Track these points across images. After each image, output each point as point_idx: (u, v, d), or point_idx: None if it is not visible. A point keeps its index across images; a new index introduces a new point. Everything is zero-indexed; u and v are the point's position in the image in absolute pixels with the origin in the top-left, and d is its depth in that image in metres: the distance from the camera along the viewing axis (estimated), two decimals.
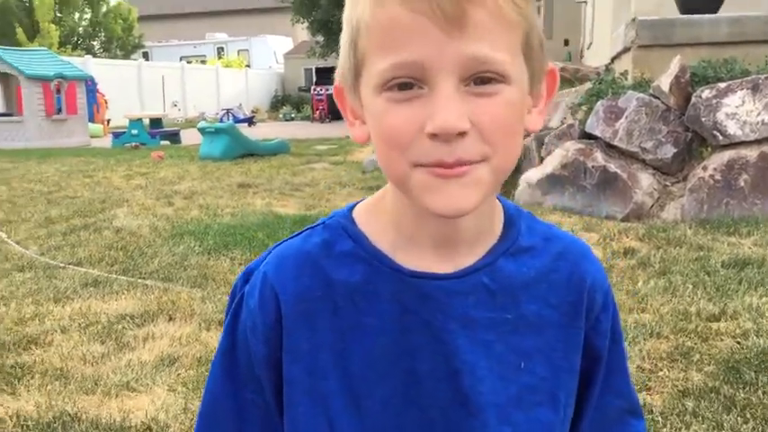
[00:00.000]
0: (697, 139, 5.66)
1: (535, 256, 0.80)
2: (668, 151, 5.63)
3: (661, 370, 2.84)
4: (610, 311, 0.85)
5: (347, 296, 0.77)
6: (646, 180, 5.63)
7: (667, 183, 5.67)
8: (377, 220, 0.79)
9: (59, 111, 15.38)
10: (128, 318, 3.61)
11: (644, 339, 3.11)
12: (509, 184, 6.81)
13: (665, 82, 5.75)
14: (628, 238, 5.00)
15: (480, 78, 0.65)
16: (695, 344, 3.07)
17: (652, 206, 5.58)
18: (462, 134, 0.64)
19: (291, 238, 0.82)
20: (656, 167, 5.70)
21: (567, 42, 16.86)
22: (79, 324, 3.55)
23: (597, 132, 5.96)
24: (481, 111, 0.65)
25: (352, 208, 0.83)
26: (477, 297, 0.76)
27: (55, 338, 3.38)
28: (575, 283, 0.81)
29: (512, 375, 0.78)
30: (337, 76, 0.75)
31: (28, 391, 2.84)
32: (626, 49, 7.39)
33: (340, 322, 0.77)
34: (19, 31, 27.09)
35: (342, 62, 0.73)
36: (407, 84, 0.65)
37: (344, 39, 0.71)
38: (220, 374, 0.82)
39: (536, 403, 0.79)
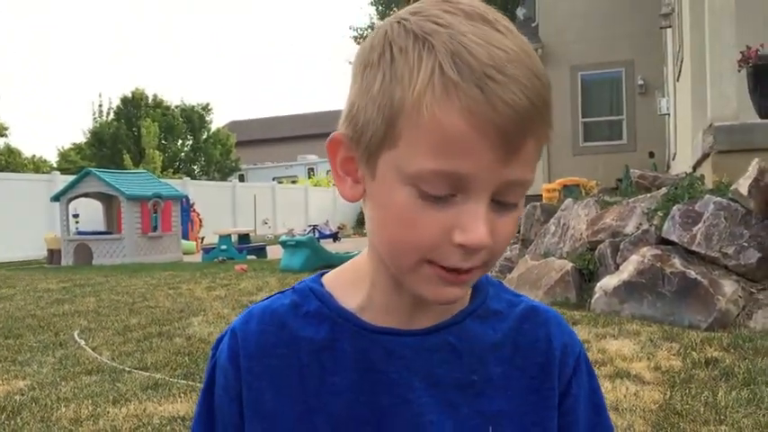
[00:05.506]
0: None
1: (502, 320, 0.79)
2: (752, 256, 5.32)
3: None
4: (583, 377, 0.81)
5: (312, 354, 0.75)
6: (729, 287, 5.30)
7: (753, 290, 5.31)
8: (345, 283, 0.79)
9: (155, 228, 16.16)
10: (178, 420, 3.59)
11: None
12: (585, 293, 6.56)
13: (743, 185, 5.52)
14: (711, 347, 4.66)
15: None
16: None
17: (738, 315, 5.21)
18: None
19: (263, 300, 0.83)
20: (740, 273, 5.38)
21: (651, 155, 16.62)
22: (130, 425, 3.55)
23: (674, 237, 5.72)
24: (500, 228, 0.66)
25: (321, 274, 0.83)
26: (443, 356, 0.74)
27: None
28: (541, 345, 0.78)
29: None
30: (343, 127, 0.70)
31: None
32: (705, 156, 7.20)
33: (305, 381, 0.75)
34: (126, 157, 29.20)
35: (360, 122, 0.67)
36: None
37: (373, 105, 0.66)
38: None
39: None
